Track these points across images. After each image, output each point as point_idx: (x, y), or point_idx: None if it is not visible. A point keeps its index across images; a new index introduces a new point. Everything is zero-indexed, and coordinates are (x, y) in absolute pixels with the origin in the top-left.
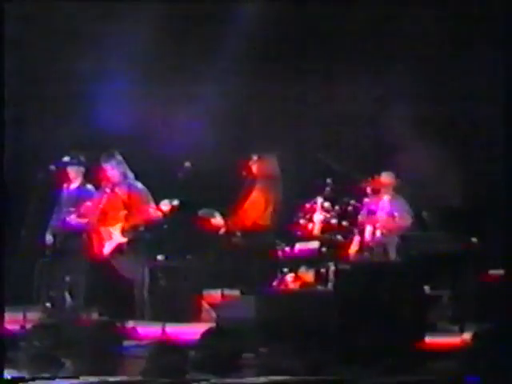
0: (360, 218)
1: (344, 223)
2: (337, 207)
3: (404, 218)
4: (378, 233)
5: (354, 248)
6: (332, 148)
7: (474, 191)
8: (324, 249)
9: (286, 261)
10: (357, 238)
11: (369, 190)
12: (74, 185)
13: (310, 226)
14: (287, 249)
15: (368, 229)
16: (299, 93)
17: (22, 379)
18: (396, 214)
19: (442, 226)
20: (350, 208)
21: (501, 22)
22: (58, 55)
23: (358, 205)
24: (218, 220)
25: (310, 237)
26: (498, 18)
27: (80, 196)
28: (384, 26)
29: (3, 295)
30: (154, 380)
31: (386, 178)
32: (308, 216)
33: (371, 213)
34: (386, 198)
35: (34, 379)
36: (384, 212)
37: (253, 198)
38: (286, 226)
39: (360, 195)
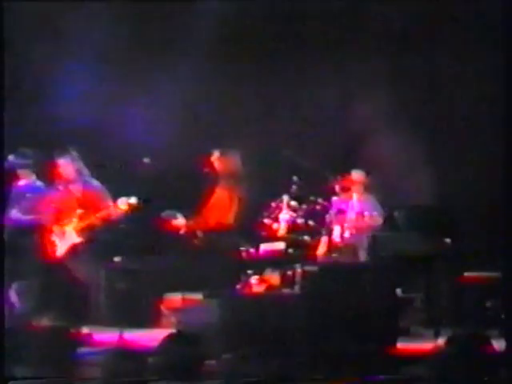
0: (328, 217)
1: (311, 223)
2: (304, 206)
3: (374, 218)
4: (348, 233)
5: (322, 249)
6: (299, 144)
7: (448, 189)
8: (290, 250)
9: (251, 262)
10: (325, 239)
11: (338, 188)
12: (23, 182)
13: (276, 225)
14: (252, 250)
15: (337, 229)
16: (265, 86)
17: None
18: (366, 213)
19: (415, 225)
20: (317, 207)
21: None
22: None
23: (327, 204)
24: (179, 221)
25: (275, 237)
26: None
27: (29, 193)
28: (353, 20)
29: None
30: None
31: (355, 175)
32: (273, 215)
33: (340, 212)
34: (355, 196)
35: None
36: (354, 211)
37: (216, 196)
38: (251, 226)
39: (328, 194)
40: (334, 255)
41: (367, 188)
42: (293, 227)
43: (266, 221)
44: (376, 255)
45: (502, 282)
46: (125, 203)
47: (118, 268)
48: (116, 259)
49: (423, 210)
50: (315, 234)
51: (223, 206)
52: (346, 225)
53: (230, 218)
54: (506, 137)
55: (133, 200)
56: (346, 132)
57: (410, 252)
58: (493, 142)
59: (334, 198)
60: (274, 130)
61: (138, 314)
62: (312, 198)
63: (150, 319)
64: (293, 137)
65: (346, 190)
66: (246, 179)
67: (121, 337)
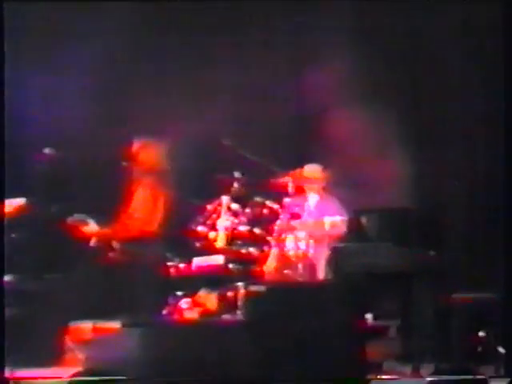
0: (279, 224)
1: (257, 231)
2: (248, 210)
3: (337, 224)
4: (303, 244)
5: (270, 264)
6: (241, 131)
7: (431, 190)
8: (231, 265)
9: (181, 281)
10: (274, 251)
11: (290, 187)
12: None
13: (213, 234)
14: (182, 265)
15: (289, 239)
16: (197, 62)
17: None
18: (327, 218)
19: (388, 234)
20: (265, 211)
21: None
22: None
23: (276, 206)
24: (91, 228)
25: (212, 249)
26: None
27: None
28: None
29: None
30: None
31: (311, 171)
32: (210, 221)
33: (294, 217)
34: (312, 197)
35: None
36: (311, 216)
37: (137, 197)
38: (181, 235)
39: (279, 194)
40: (285, 272)
41: (327, 186)
42: (234, 236)
43: (201, 228)
44: (340, 272)
45: (499, 306)
46: (12, 206)
47: (8, 289)
48: (6, 278)
49: (399, 214)
50: (262, 244)
51: (146, 209)
52: (301, 233)
53: (154, 225)
54: (506, 118)
55: (22, 201)
56: (298, 116)
57: (382, 268)
58: (491, 124)
59: (286, 200)
60: (209, 115)
61: (35, 349)
62: (258, 199)
63: (51, 355)
64: (233, 123)
65: (300, 189)
66: (174, 175)
67: (13, 378)
